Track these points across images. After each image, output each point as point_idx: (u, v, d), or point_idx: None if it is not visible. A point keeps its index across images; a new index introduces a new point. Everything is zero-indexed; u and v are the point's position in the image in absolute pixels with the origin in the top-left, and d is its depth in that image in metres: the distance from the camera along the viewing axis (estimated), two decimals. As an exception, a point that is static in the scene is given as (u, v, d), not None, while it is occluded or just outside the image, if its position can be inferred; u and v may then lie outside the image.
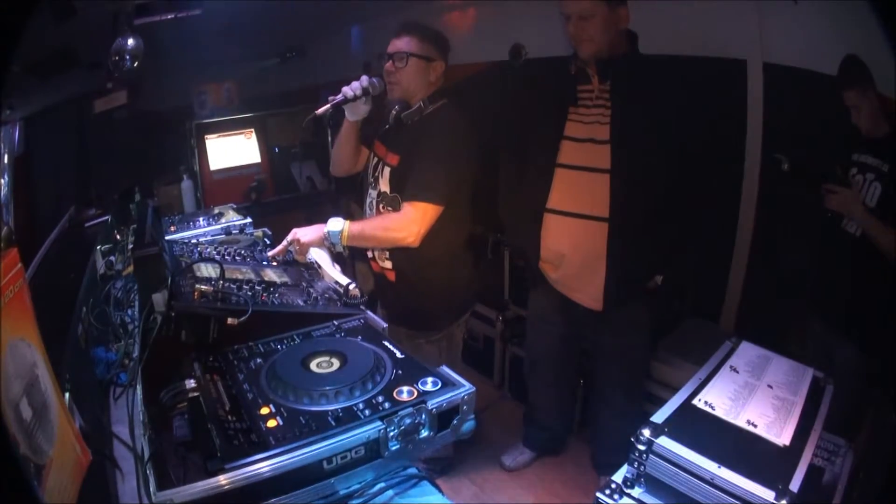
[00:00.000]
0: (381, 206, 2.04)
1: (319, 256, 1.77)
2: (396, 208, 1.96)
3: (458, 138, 1.95)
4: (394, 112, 2.01)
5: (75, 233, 2.64)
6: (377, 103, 2.05)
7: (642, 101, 1.83)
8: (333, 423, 0.99)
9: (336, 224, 1.85)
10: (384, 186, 2.03)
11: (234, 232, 2.08)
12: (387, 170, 2.03)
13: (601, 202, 1.91)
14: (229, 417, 1.01)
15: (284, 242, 1.82)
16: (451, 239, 2.05)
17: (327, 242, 1.84)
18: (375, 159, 2.12)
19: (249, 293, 1.37)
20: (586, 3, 1.79)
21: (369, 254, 2.16)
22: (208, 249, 1.79)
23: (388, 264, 2.07)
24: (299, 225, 1.87)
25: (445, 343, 2.16)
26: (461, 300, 2.21)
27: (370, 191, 2.12)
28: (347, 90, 1.94)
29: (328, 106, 1.93)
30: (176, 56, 3.15)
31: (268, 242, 1.98)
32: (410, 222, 1.89)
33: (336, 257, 1.82)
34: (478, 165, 2.03)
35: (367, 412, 1.02)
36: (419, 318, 2.09)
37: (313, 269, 1.72)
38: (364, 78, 1.97)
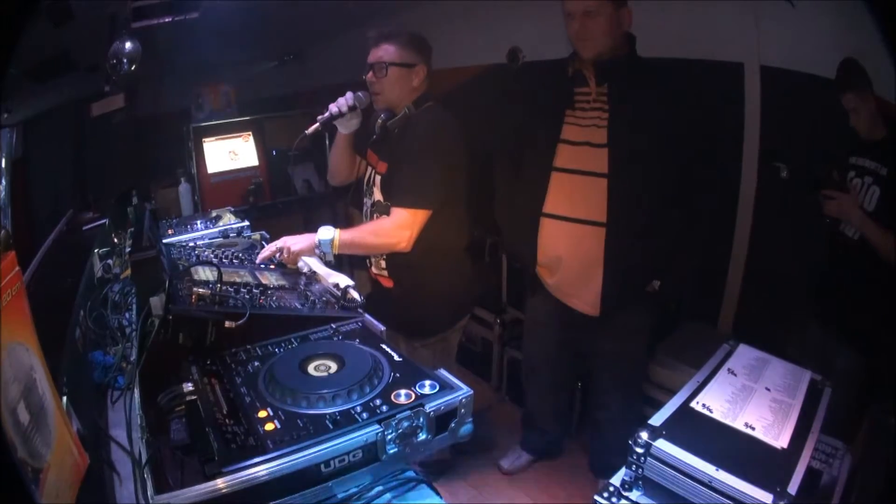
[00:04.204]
0: (375, 215, 2.03)
1: (312, 262, 1.76)
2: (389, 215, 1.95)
3: (444, 140, 1.94)
4: (380, 121, 2.00)
5: (73, 236, 2.63)
6: (366, 113, 2.06)
7: (640, 104, 1.83)
8: (331, 426, 0.99)
9: (326, 233, 1.83)
10: (378, 195, 2.03)
11: (231, 235, 2.08)
12: (378, 178, 2.04)
13: (598, 206, 1.91)
14: (227, 421, 1.01)
15: (272, 248, 1.77)
16: (449, 243, 2.05)
17: (318, 251, 1.83)
18: (368, 168, 2.12)
19: (247, 296, 1.37)
20: (592, 1, 1.79)
21: (367, 262, 2.16)
22: (206, 252, 1.78)
23: (385, 272, 2.06)
24: (297, 228, 1.87)
25: (440, 347, 2.15)
26: (458, 305, 2.20)
27: (366, 199, 2.13)
28: (333, 107, 1.98)
29: (316, 125, 1.97)
30: (173, 59, 3.16)
31: (265, 246, 1.98)
32: (400, 228, 1.89)
33: (331, 266, 1.79)
34: (469, 165, 2.01)
35: (364, 415, 1.01)
36: (415, 324, 2.07)
37: (311, 273, 1.72)
38: (349, 94, 1.99)
